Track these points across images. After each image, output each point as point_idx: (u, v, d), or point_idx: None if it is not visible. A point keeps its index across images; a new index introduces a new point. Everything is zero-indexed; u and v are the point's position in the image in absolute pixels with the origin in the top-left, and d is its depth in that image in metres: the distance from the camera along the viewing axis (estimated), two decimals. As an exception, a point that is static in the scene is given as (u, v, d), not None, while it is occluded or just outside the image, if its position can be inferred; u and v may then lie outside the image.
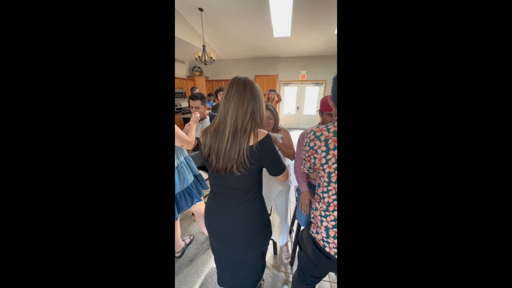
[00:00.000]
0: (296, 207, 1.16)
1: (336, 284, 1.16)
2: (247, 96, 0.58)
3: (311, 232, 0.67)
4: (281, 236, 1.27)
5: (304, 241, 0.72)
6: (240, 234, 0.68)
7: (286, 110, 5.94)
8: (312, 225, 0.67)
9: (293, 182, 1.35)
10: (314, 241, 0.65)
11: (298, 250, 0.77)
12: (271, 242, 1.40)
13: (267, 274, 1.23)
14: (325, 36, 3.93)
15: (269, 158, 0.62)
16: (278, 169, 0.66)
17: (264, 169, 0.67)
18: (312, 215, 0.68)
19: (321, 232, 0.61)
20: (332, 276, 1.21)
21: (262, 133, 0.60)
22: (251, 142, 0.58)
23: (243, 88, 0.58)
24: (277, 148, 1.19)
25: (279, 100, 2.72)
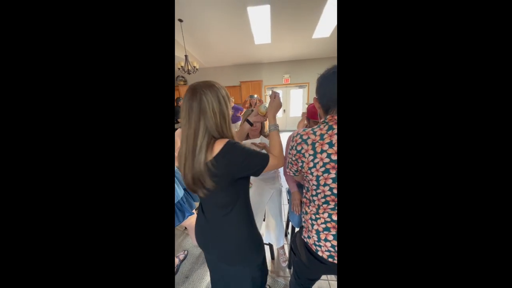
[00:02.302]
0: (289, 209, 1.17)
1: (334, 282, 1.18)
2: (194, 110, 0.50)
3: (303, 237, 0.67)
4: (278, 239, 1.27)
5: (298, 246, 0.72)
6: (223, 251, 0.63)
7: (273, 113, 6.03)
8: (304, 229, 0.67)
9: (284, 184, 1.37)
10: (306, 245, 0.65)
11: (292, 255, 0.78)
12: (268, 248, 1.40)
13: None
14: (303, 41, 4.10)
15: (237, 167, 0.52)
16: (257, 168, 0.55)
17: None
18: (303, 219, 0.68)
19: (313, 236, 0.61)
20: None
21: (220, 143, 0.51)
22: (208, 158, 0.50)
23: (189, 99, 0.50)
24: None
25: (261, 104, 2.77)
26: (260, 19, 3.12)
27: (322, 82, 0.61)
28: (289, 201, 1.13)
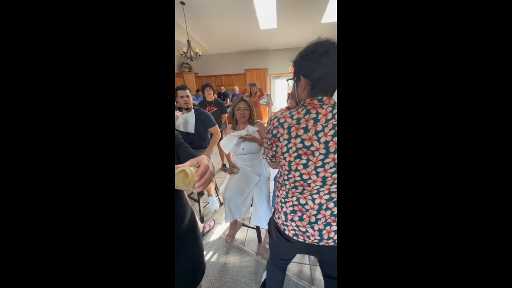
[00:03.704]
0: (273, 195, 1.20)
1: (314, 267, 1.23)
2: None
3: (274, 218, 0.71)
4: (265, 220, 1.31)
5: (271, 226, 0.76)
6: None
7: (278, 103, 5.92)
8: (275, 211, 0.70)
9: (272, 172, 1.39)
10: (276, 225, 0.69)
11: (268, 236, 0.81)
12: (255, 231, 1.45)
13: (250, 261, 1.28)
14: (312, 26, 3.87)
15: None
16: None
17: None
18: (276, 202, 0.71)
19: (281, 217, 0.64)
20: (312, 259, 1.27)
21: None
22: None
23: None
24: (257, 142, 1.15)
25: (262, 94, 2.74)
26: (265, 2, 2.96)
27: (310, 56, 0.53)
28: (274, 187, 1.15)
